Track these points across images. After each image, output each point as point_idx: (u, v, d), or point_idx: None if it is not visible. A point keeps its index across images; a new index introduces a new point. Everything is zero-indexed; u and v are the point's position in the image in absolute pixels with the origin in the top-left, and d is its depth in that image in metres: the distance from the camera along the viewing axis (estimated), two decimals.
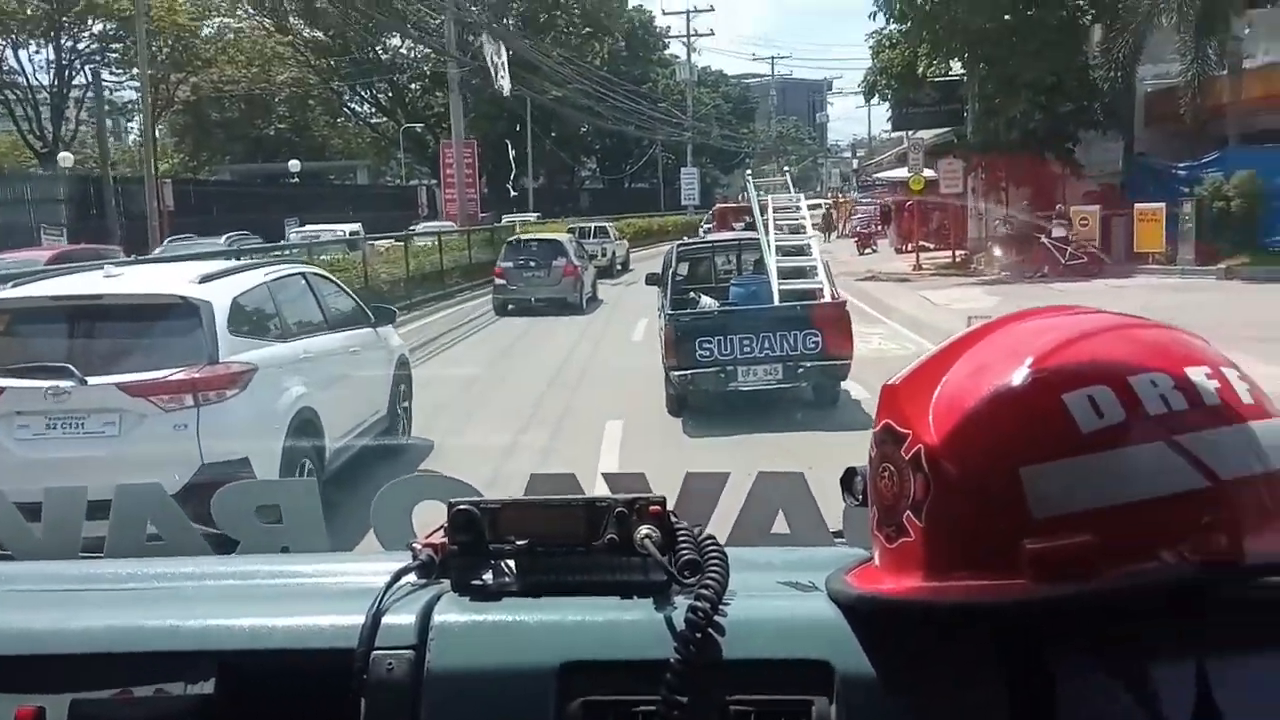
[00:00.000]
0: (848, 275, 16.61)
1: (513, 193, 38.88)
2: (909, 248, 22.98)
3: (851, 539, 1.06)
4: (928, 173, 22.62)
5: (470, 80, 38.09)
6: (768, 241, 9.99)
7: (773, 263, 9.51)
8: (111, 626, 0.92)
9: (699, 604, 0.83)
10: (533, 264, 17.35)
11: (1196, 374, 0.75)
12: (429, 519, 1.02)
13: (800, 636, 0.85)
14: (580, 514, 0.92)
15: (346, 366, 6.15)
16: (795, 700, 0.82)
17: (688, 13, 53.38)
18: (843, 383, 7.97)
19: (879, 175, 33.50)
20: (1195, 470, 0.72)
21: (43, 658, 0.91)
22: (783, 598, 0.91)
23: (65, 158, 26.11)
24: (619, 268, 23.96)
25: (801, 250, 10.26)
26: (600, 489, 1.03)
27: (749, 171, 19.04)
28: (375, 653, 0.86)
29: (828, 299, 8.71)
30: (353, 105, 44.67)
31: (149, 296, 5.08)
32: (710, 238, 14.77)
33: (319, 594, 0.99)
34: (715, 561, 0.87)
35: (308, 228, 23.20)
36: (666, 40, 56.04)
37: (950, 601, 0.76)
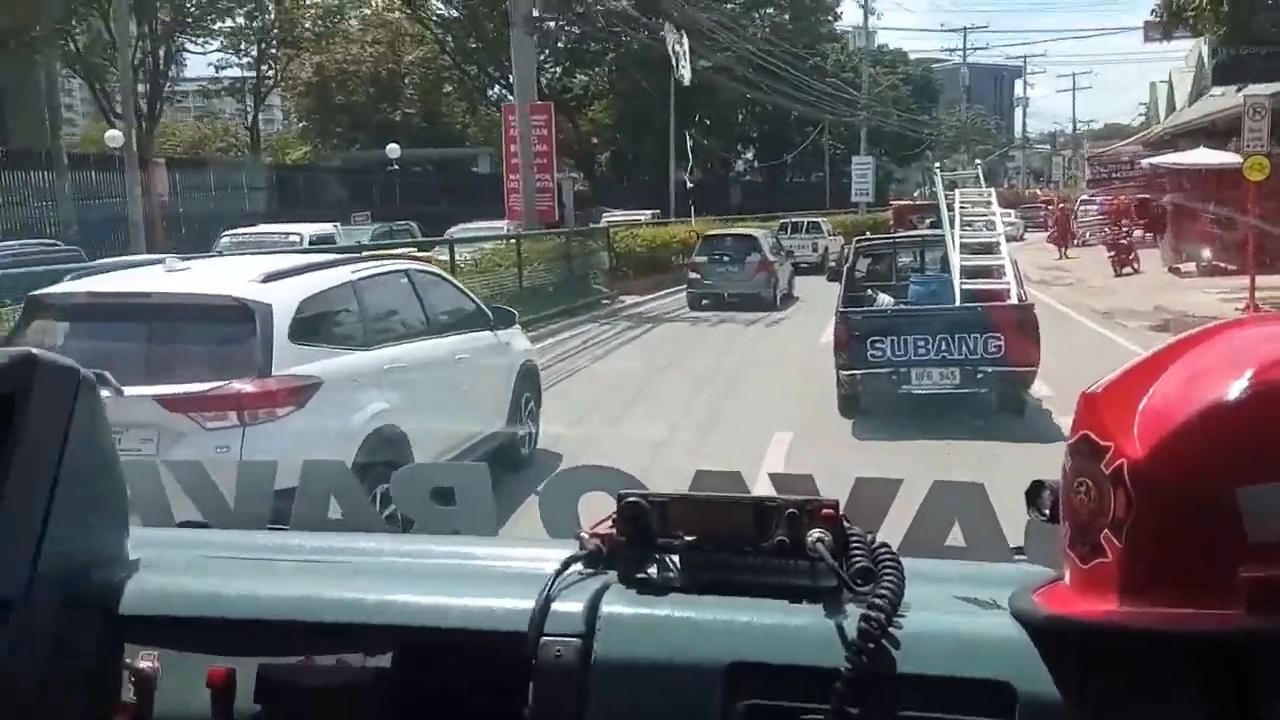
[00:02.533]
0: (1123, 318, 14.62)
1: (687, 182, 38.51)
2: (1201, 266, 19.25)
3: (1034, 556, 1.09)
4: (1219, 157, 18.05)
5: (606, 50, 38.06)
6: (953, 238, 10.31)
7: (957, 260, 9.80)
8: (296, 596, 1.06)
9: (873, 613, 0.87)
10: (726, 259, 18.89)
11: None
12: (596, 510, 1.12)
13: (980, 655, 0.89)
14: (750, 513, 1.00)
15: (452, 375, 6.00)
16: None
17: None
18: (1029, 390, 8.17)
19: (1155, 161, 25.52)
20: None
21: (234, 622, 1.04)
22: (961, 613, 0.95)
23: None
24: (832, 264, 24.39)
25: (989, 248, 10.48)
26: (765, 489, 1.08)
27: (937, 164, 19.83)
28: (544, 638, 0.96)
29: (1014, 301, 8.87)
30: (489, 88, 44.75)
31: (200, 297, 4.98)
32: (890, 235, 15.46)
33: (491, 577, 1.10)
34: (890, 570, 0.92)
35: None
36: (838, 10, 54.54)
37: (1151, 629, 0.77)
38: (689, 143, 38.40)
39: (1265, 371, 0.77)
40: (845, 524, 0.99)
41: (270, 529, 1.35)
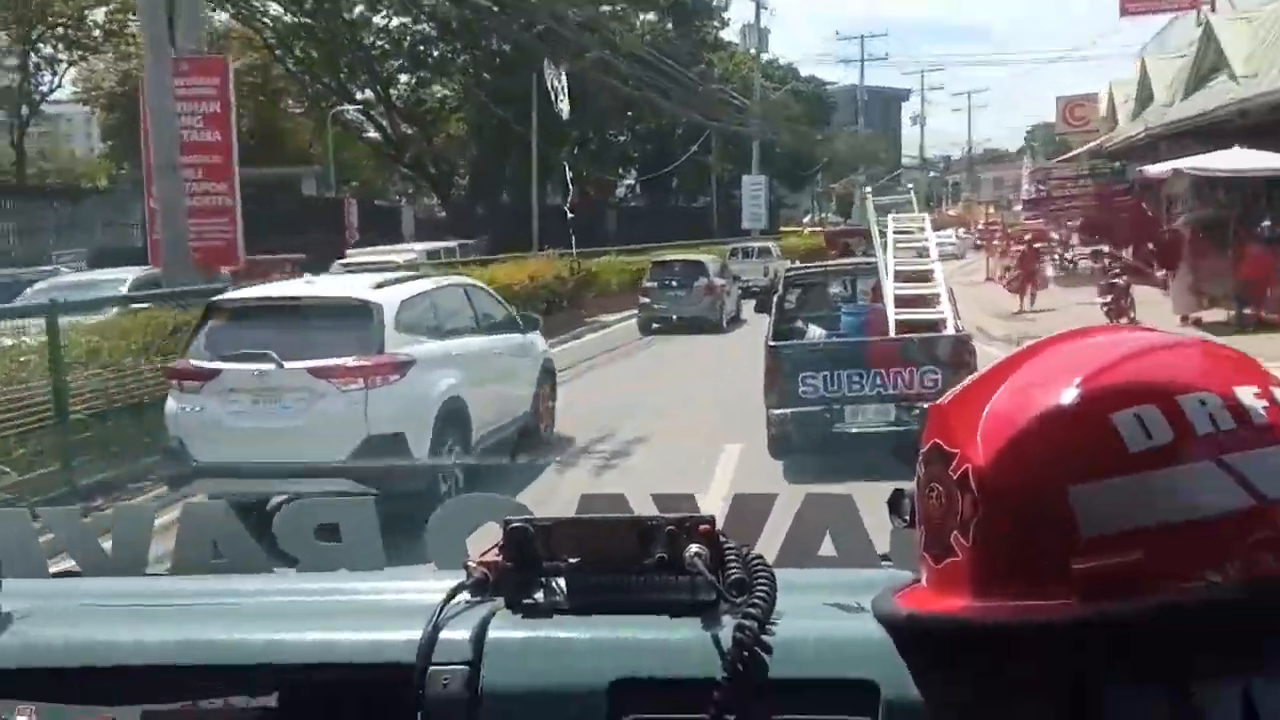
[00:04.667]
0: None
1: (566, 209, 37.73)
2: (1238, 316, 15.70)
3: (899, 562, 1.31)
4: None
5: (458, 53, 37.11)
6: (885, 265, 11.06)
7: (890, 289, 10.39)
8: (178, 641, 1.20)
9: (746, 623, 1.05)
10: (675, 283, 22.97)
11: (1245, 393, 0.94)
12: (486, 542, 1.28)
13: (846, 656, 1.07)
14: (632, 532, 1.17)
15: (494, 365, 9.18)
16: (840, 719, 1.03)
17: None
18: None
19: (1156, 170, 19.98)
20: (1242, 490, 0.90)
21: (113, 669, 1.17)
22: (829, 618, 1.14)
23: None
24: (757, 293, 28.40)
25: (924, 277, 11.14)
26: (650, 510, 1.28)
27: (868, 188, 20.61)
28: (432, 668, 1.11)
29: (950, 332, 9.49)
30: (344, 104, 44.13)
31: (334, 298, 8.02)
32: (823, 263, 16.47)
33: (377, 610, 1.27)
34: (763, 581, 1.11)
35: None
36: (725, 15, 54.39)
37: (998, 621, 0.93)
38: (564, 164, 37.49)
39: (1090, 380, 0.94)
40: (722, 539, 1.16)
41: (149, 575, 1.49)
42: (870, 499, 1.41)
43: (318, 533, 1.53)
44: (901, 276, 10.89)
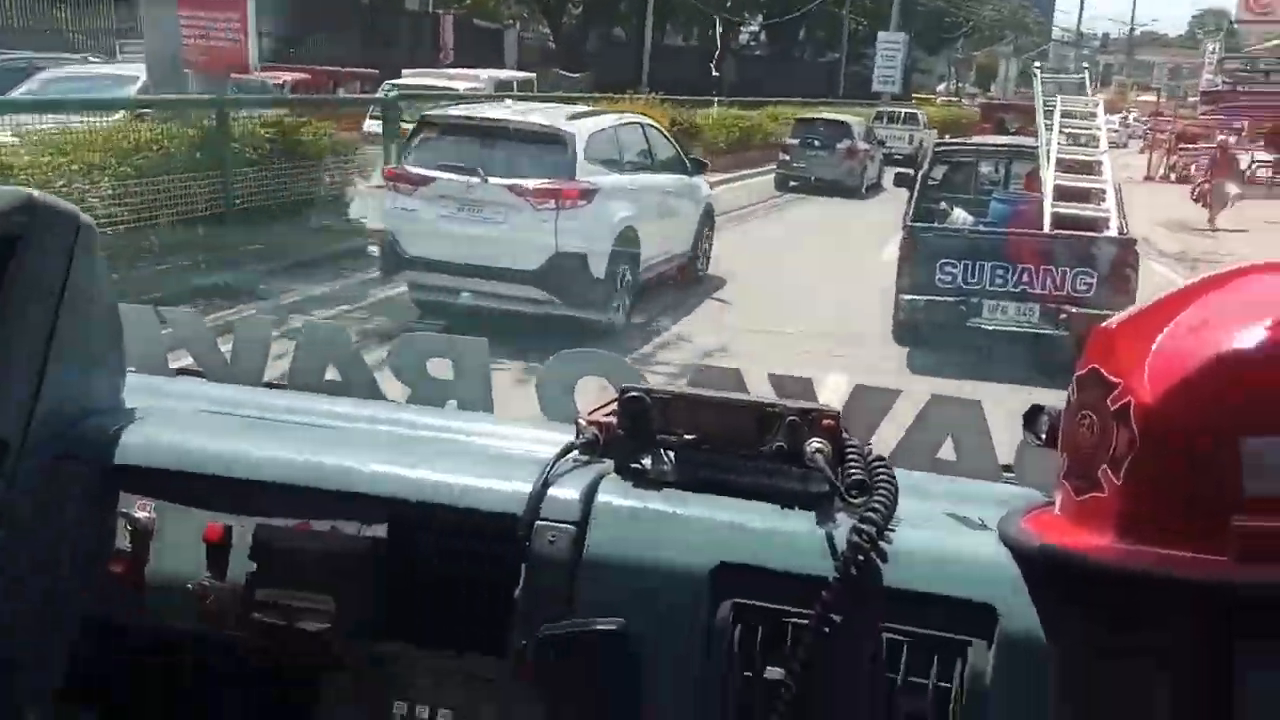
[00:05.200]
0: None
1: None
2: None
3: (1021, 477, 1.37)
4: None
5: None
6: (1047, 152, 10.41)
7: (1050, 178, 9.84)
8: (294, 460, 1.29)
9: (865, 526, 1.09)
10: (817, 143, 23.32)
11: None
12: (593, 396, 1.38)
13: (966, 575, 1.10)
14: (751, 416, 1.22)
15: (663, 201, 10.45)
16: (953, 640, 1.08)
17: None
18: None
19: None
20: None
21: (231, 480, 1.28)
22: (950, 531, 1.18)
23: None
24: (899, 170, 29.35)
25: (1090, 168, 10.49)
26: (766, 389, 1.33)
27: (1037, 64, 19.11)
28: (539, 523, 1.19)
29: (1113, 233, 9.06)
30: None
31: (534, 124, 9.27)
32: (976, 139, 15.59)
33: (488, 456, 1.36)
34: (885, 485, 1.15)
35: None
36: None
37: (1143, 569, 0.88)
38: None
39: None
40: (844, 435, 1.20)
41: (266, 386, 1.60)
42: (997, 402, 1.46)
43: (432, 367, 1.60)
44: (1064, 165, 10.24)
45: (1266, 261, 0.98)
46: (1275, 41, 33.63)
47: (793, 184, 23.42)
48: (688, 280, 11.10)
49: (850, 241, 15.20)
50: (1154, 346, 0.91)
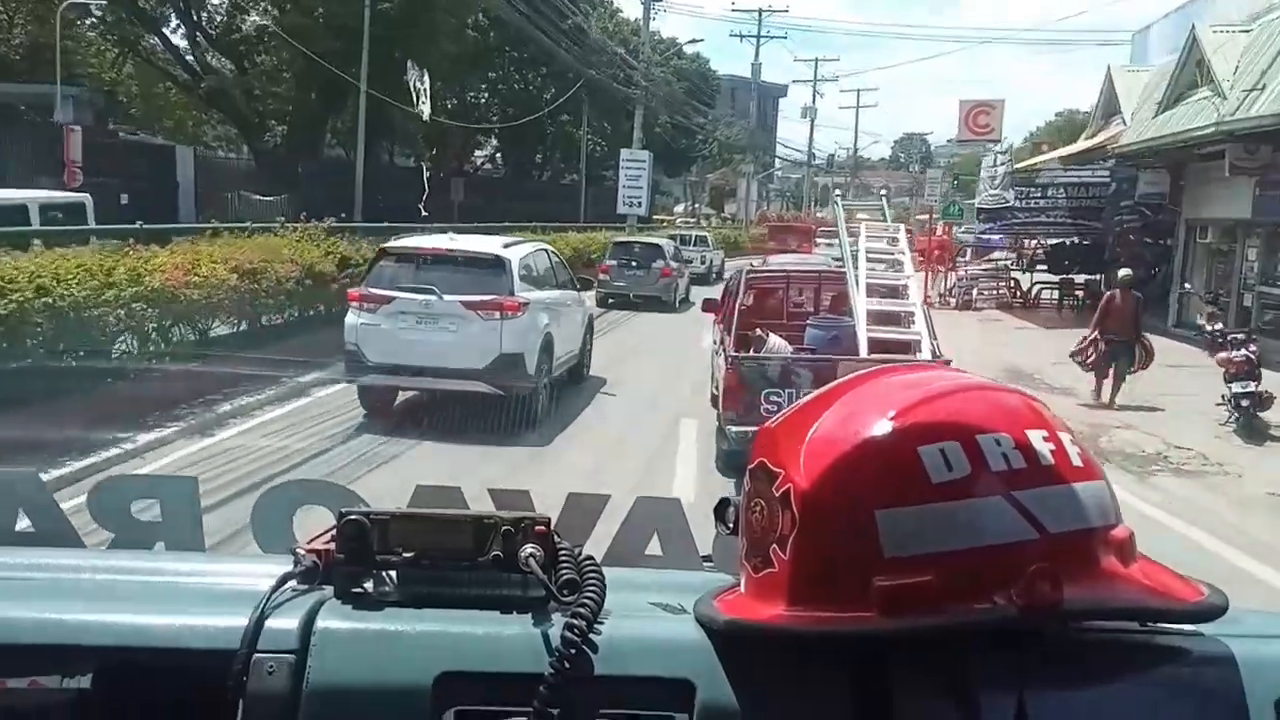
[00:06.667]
0: None
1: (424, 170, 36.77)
2: None
3: (720, 564, 1.60)
4: None
5: None
6: (856, 277, 11.59)
7: (862, 304, 10.98)
8: None
9: (575, 621, 1.22)
10: (634, 264, 28.20)
11: (1035, 436, 1.19)
12: (310, 525, 1.45)
13: (667, 656, 1.25)
14: (468, 529, 1.33)
15: (565, 313, 14.00)
16: (659, 716, 1.22)
17: None
18: None
19: None
20: (1027, 523, 1.14)
21: None
22: (653, 619, 1.34)
23: None
24: (715, 276, 36.43)
25: (897, 292, 11.81)
26: (485, 501, 1.48)
27: (837, 191, 21.09)
28: (256, 655, 1.21)
29: (927, 355, 10.08)
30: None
31: (476, 252, 12.29)
32: (780, 265, 16.43)
33: (200, 594, 1.38)
34: (593, 581, 1.28)
35: None
36: None
37: (807, 630, 1.17)
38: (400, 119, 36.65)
39: (902, 414, 1.19)
40: (556, 538, 1.34)
41: None
42: None
43: (136, 510, 1.64)
44: (873, 290, 11.55)
45: (891, 365, 1.35)
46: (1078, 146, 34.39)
47: (611, 301, 27.71)
48: (576, 379, 14.49)
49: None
50: (806, 439, 1.21)
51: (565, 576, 1.28)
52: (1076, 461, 1.20)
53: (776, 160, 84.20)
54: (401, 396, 12.58)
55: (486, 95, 52.20)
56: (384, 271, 12.33)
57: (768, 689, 1.20)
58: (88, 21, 38.26)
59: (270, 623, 1.24)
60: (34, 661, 1.22)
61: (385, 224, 23.86)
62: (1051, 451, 1.18)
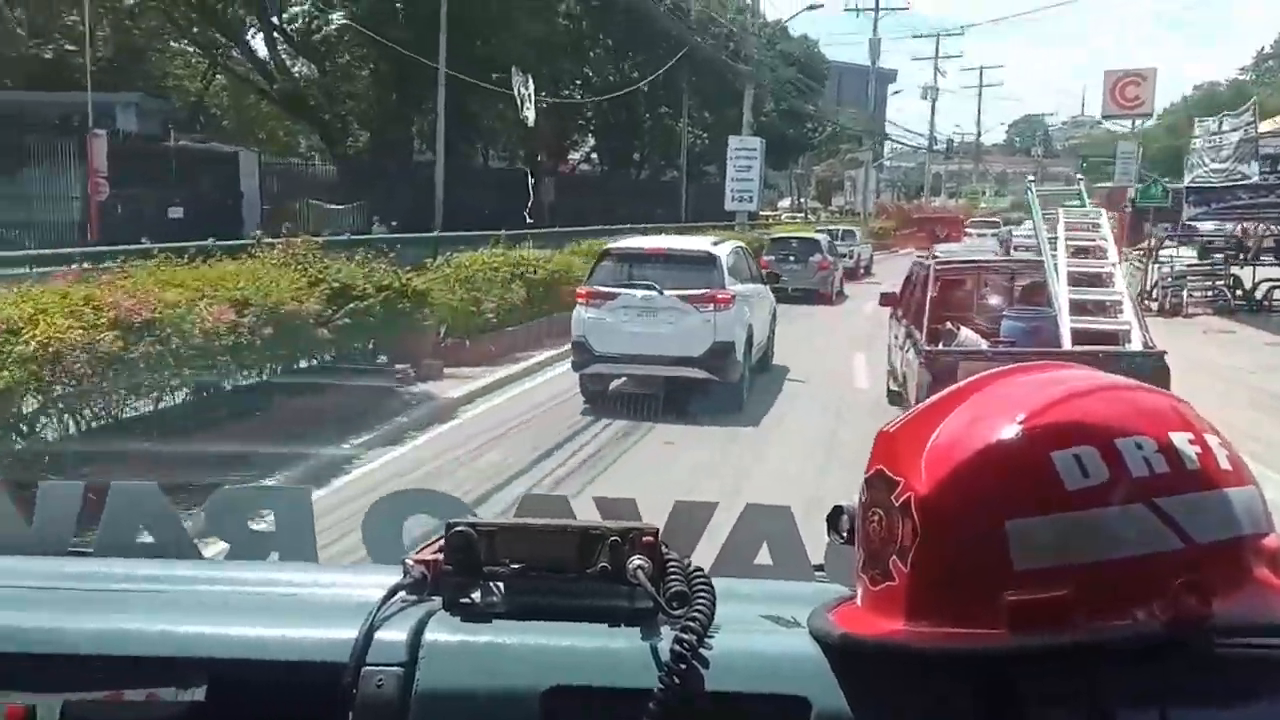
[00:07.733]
0: None
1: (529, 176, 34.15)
2: None
3: (832, 574, 1.61)
4: None
5: None
6: (1055, 267, 11.40)
7: (1064, 294, 10.73)
8: (104, 629, 1.35)
9: (685, 635, 1.26)
10: (792, 258, 30.82)
11: (1179, 439, 1.15)
12: (420, 534, 1.54)
13: (781, 672, 1.28)
14: (575, 540, 1.39)
15: (759, 305, 16.25)
16: None
17: None
18: None
19: None
20: (1171, 532, 1.10)
21: (34, 656, 1.31)
22: (765, 632, 1.38)
23: None
24: (863, 270, 40.13)
25: (1100, 280, 11.57)
26: (590, 510, 1.54)
27: (1030, 178, 20.91)
28: (366, 668, 1.28)
29: (1137, 346, 9.86)
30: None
31: (689, 250, 14.35)
32: (974, 256, 16.78)
33: (312, 605, 1.46)
34: (702, 594, 1.33)
35: None
36: None
37: (930, 647, 1.15)
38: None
39: (1033, 418, 1.16)
40: (664, 549, 1.39)
41: (73, 553, 1.67)
42: None
43: (251, 520, 1.74)
44: (1074, 279, 11.25)
45: (1018, 365, 1.31)
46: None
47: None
48: (763, 367, 16.62)
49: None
50: (928, 445, 1.19)
51: (674, 588, 1.33)
52: (1225, 465, 1.18)
53: (888, 147, 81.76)
54: (612, 385, 14.58)
55: (581, 91, 49.61)
56: (606, 269, 14.43)
57: (887, 707, 1.24)
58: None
59: (379, 635, 1.31)
60: (151, 673, 1.31)
61: (432, 233, 22.91)
62: (1198, 455, 1.16)
